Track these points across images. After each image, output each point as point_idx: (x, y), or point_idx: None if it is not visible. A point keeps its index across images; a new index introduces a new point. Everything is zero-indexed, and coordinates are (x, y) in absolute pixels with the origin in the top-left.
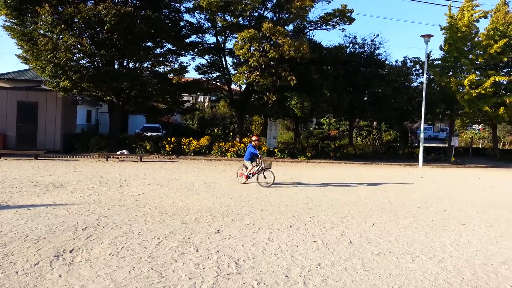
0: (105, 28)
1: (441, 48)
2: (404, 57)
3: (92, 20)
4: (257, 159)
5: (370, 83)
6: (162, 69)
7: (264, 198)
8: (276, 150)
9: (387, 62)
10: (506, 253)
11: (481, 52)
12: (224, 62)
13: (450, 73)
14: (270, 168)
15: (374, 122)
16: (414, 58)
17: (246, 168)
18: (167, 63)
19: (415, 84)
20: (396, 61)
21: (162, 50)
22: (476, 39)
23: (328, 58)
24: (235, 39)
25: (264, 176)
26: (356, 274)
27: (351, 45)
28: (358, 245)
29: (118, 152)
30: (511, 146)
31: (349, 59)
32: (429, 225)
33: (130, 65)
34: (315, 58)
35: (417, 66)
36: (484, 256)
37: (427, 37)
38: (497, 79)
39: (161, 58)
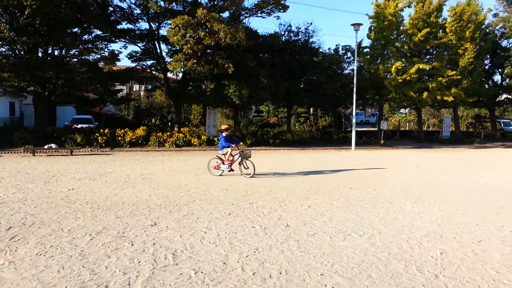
0: (26, 13)
1: (368, 37)
2: (336, 45)
3: (10, 4)
4: (234, 150)
5: (305, 71)
6: (91, 57)
7: (204, 188)
8: (215, 139)
9: (320, 50)
10: (428, 227)
11: (407, 40)
12: (158, 50)
13: (379, 60)
14: (250, 157)
15: (311, 109)
16: (345, 46)
17: (221, 159)
18: (97, 51)
19: (347, 71)
20: (329, 49)
21: (90, 37)
22: (401, 27)
23: (265, 46)
24: (169, 26)
25: (244, 167)
26: (292, 256)
27: (286, 33)
28: (295, 227)
29: (46, 146)
30: (434, 128)
31: (285, 47)
32: (360, 205)
33: (56, 52)
34: (252, 45)
35: (349, 54)
36: (409, 230)
37: (356, 26)
38: (421, 66)
39: (89, 45)
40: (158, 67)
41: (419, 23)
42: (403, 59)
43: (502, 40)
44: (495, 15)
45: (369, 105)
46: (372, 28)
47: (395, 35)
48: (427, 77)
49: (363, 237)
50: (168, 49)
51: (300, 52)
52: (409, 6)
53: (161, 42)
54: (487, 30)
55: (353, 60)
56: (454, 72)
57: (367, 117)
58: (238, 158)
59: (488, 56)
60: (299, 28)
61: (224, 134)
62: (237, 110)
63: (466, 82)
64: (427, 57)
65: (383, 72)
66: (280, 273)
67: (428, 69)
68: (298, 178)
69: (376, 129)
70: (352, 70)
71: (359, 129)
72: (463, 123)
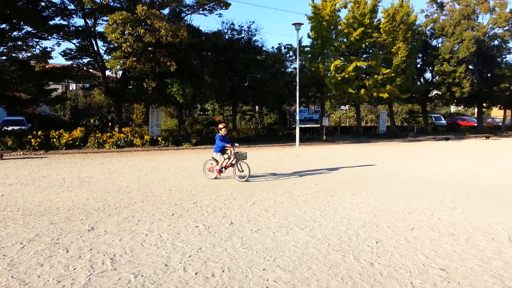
0: None
1: (309, 36)
2: (279, 44)
3: None
4: (229, 151)
5: (249, 69)
6: (21, 55)
7: (146, 189)
8: (159, 139)
9: (264, 49)
10: (365, 217)
11: (344, 40)
12: (95, 47)
13: (319, 59)
14: (245, 159)
15: (256, 106)
16: (287, 45)
17: (216, 161)
18: (27, 48)
19: (290, 70)
20: (272, 47)
21: (20, 33)
22: (338, 27)
23: (208, 44)
24: (107, 22)
25: (239, 169)
26: (235, 253)
27: (229, 31)
28: (239, 224)
29: None
30: (372, 123)
31: (228, 45)
32: (303, 199)
33: None
34: (195, 43)
35: (291, 53)
36: (347, 222)
37: (298, 25)
38: (358, 64)
39: (19, 42)
40: (96, 65)
41: (354, 23)
42: (342, 58)
43: (432, 39)
44: (426, 16)
45: (311, 103)
46: (311, 28)
47: (333, 35)
48: (364, 75)
49: (305, 230)
50: (106, 46)
51: (243, 50)
52: (345, 7)
53: (98, 39)
54: (419, 30)
55: (295, 58)
56: (389, 70)
57: (311, 114)
58: (232, 160)
59: (420, 55)
60: (242, 27)
61: (220, 133)
62: (182, 109)
63: (399, 80)
64: (364, 56)
65: (324, 70)
66: (223, 271)
67: (365, 67)
68: None
69: (319, 125)
70: (295, 68)
71: (303, 126)
72: (398, 118)
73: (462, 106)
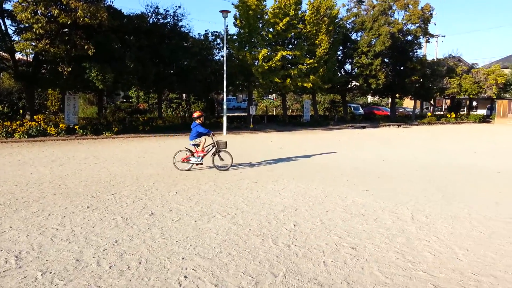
0: None
1: (235, 25)
2: (206, 31)
3: None
4: (203, 139)
5: (175, 55)
6: None
7: (59, 181)
8: (76, 127)
9: (190, 35)
10: (285, 202)
11: (271, 29)
12: (3, 27)
13: (247, 48)
14: (226, 148)
15: (184, 94)
16: (215, 32)
17: (190, 151)
18: None
19: (217, 58)
20: (199, 34)
21: None
22: (265, 17)
23: (130, 27)
24: (16, 0)
25: (220, 158)
26: (154, 244)
27: (154, 15)
28: (160, 215)
29: None
30: (298, 112)
31: (152, 29)
32: (227, 187)
33: None
34: (116, 26)
35: (218, 40)
36: (268, 207)
37: (225, 13)
38: (284, 54)
39: None
40: (3, 47)
41: (280, 13)
42: (269, 48)
43: (352, 33)
44: (348, 10)
45: (239, 91)
46: (238, 17)
47: (260, 24)
48: (290, 65)
49: (227, 218)
50: (16, 26)
51: (169, 35)
52: None
53: (6, 18)
54: (340, 24)
55: (223, 46)
56: (312, 60)
57: (239, 102)
58: (212, 149)
59: (341, 47)
60: (168, 11)
61: (198, 122)
62: (102, 96)
63: (322, 70)
64: (290, 46)
65: (251, 59)
66: (140, 263)
67: (290, 57)
68: (168, 165)
69: (246, 114)
70: (223, 56)
71: (231, 114)
72: (321, 108)
73: (377, 97)
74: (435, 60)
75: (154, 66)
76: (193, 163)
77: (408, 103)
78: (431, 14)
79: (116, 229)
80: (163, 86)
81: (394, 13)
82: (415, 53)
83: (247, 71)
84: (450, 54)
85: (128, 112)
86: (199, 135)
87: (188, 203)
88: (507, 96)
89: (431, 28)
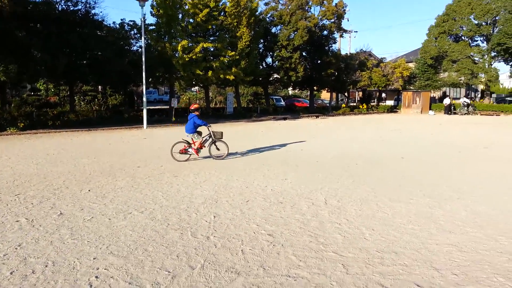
0: None
1: (152, 14)
2: (122, 19)
3: None
4: (209, 131)
5: (88, 45)
6: None
7: None
8: None
9: (105, 24)
10: (206, 194)
11: (191, 20)
12: None
13: (166, 38)
14: (222, 138)
15: (99, 87)
16: (131, 21)
17: (188, 142)
18: None
19: (136, 48)
20: (114, 23)
21: None
22: (185, 7)
23: (36, 14)
24: None
25: (217, 148)
26: (62, 245)
27: (63, 1)
28: (70, 214)
29: None
30: (221, 105)
31: (62, 16)
32: (146, 182)
33: None
34: (20, 12)
35: (135, 30)
36: (189, 200)
37: (142, 2)
38: (205, 45)
39: None
40: None
41: (199, 4)
42: (190, 39)
43: (272, 27)
44: (266, 3)
45: (160, 83)
46: (155, 5)
47: (179, 14)
48: (211, 57)
49: (144, 214)
50: None
51: (81, 24)
52: None
53: None
54: (261, 17)
55: (140, 36)
56: (234, 53)
57: (161, 95)
58: (209, 139)
59: (262, 41)
60: None
61: (196, 113)
62: (5, 88)
63: (244, 63)
64: (211, 38)
65: (171, 50)
66: (46, 266)
67: (212, 49)
68: (80, 161)
69: (168, 107)
70: (141, 47)
71: (153, 107)
72: (244, 100)
73: (298, 89)
74: (349, 54)
75: (65, 56)
76: (190, 154)
77: (325, 95)
78: (344, 10)
79: (19, 232)
80: (75, 78)
81: (310, 8)
82: (331, 48)
83: (168, 63)
84: (362, 49)
85: (36, 106)
86: (196, 126)
87: (102, 200)
88: (411, 88)
89: (345, 24)
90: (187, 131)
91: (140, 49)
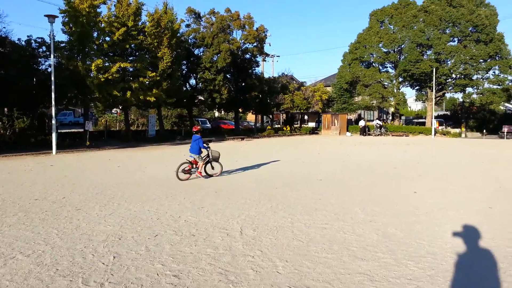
0: None
1: (64, 31)
2: (28, 36)
3: None
4: (207, 151)
5: None
6: None
7: None
8: None
9: (9, 40)
10: (109, 230)
11: (107, 38)
12: None
13: (79, 57)
14: (219, 159)
15: (5, 108)
16: (39, 38)
17: (191, 163)
18: None
19: (45, 67)
20: (19, 39)
21: None
22: (100, 25)
23: None
24: None
25: (212, 167)
26: None
27: None
28: None
29: None
30: (144, 127)
31: None
32: (41, 217)
33: None
34: None
35: (44, 48)
36: (88, 238)
37: (51, 18)
38: (122, 65)
39: None
40: None
41: (115, 22)
42: (106, 58)
43: (195, 49)
44: (187, 25)
45: (73, 105)
46: (67, 23)
47: (94, 32)
48: (130, 78)
49: (31, 257)
50: None
51: None
52: (104, 3)
53: None
54: (183, 39)
55: (50, 54)
56: (155, 74)
57: (77, 117)
58: (206, 159)
59: (185, 62)
60: None
61: (199, 135)
62: None
63: (166, 84)
64: (130, 58)
65: (84, 69)
66: None
67: (131, 69)
68: None
69: (83, 130)
70: (50, 65)
71: (67, 130)
72: (168, 122)
73: (223, 111)
74: (272, 77)
75: None
76: (192, 173)
77: (251, 117)
78: (265, 35)
79: None
80: None
81: (232, 31)
82: (254, 71)
83: (81, 83)
84: (284, 73)
85: None
86: (200, 149)
87: None
88: (330, 110)
89: (267, 48)
90: (193, 152)
91: (50, 68)
